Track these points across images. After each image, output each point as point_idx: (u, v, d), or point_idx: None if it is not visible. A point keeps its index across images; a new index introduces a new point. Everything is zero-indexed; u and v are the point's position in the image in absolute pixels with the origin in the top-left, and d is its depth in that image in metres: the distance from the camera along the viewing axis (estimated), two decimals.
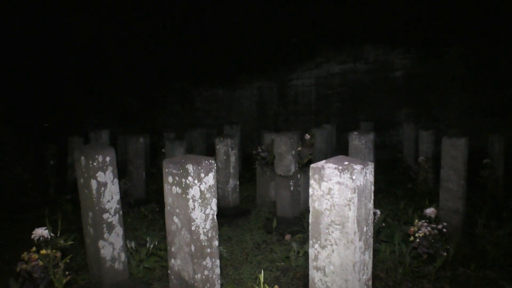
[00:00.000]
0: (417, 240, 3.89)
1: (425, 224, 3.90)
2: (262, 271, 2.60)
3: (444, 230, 3.87)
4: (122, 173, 5.84)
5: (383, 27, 12.03)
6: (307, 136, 6.48)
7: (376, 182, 7.47)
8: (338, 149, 9.98)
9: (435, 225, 3.87)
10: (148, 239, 4.30)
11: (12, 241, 5.25)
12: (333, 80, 13.14)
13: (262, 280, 2.30)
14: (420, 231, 3.88)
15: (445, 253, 3.85)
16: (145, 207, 6.62)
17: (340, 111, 12.98)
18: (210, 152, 9.78)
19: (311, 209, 2.06)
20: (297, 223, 5.40)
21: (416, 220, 3.97)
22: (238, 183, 6.39)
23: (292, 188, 5.58)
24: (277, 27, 13.35)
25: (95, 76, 14.40)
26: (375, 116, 11.96)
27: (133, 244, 4.07)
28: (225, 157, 6.14)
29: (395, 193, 6.81)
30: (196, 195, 2.54)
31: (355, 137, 5.04)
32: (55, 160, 8.67)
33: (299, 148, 6.09)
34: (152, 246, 4.14)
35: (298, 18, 13.11)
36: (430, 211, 3.96)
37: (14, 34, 11.67)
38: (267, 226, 5.44)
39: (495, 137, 6.58)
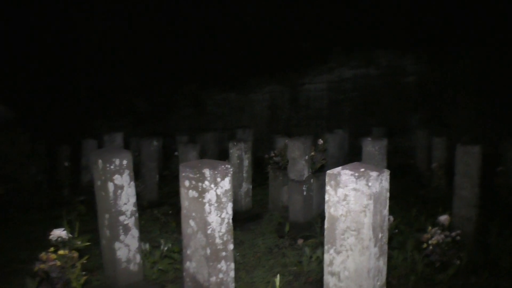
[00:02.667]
0: (430, 247, 3.89)
1: (439, 231, 3.90)
2: (278, 275, 2.62)
3: (458, 238, 3.87)
4: (135, 176, 5.90)
5: (396, 32, 12.02)
6: (320, 141, 6.49)
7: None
8: (351, 154, 9.96)
9: (448, 233, 3.87)
10: (162, 241, 4.35)
11: (27, 241, 5.33)
12: (345, 85, 13.13)
13: (278, 284, 2.32)
14: (433, 239, 3.88)
15: (458, 261, 3.85)
16: (158, 210, 6.70)
17: (352, 116, 12.96)
18: (222, 156, 9.84)
19: (326, 214, 2.09)
20: (309, 228, 5.41)
21: (430, 227, 3.96)
22: (251, 187, 6.44)
23: (305, 193, 5.60)
24: (289, 32, 13.41)
25: (108, 79, 14.56)
26: (386, 122, 11.92)
27: (147, 246, 4.12)
28: (238, 161, 6.19)
29: (407, 200, 6.79)
30: (212, 199, 2.58)
31: (369, 143, 5.06)
32: (68, 162, 8.79)
33: (312, 153, 6.10)
34: (166, 248, 4.19)
35: (310, 23, 13.16)
36: (443, 218, 3.96)
37: (29, 37, 11.87)
38: (280, 231, 5.47)
39: (509, 144, 6.53)
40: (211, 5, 13.72)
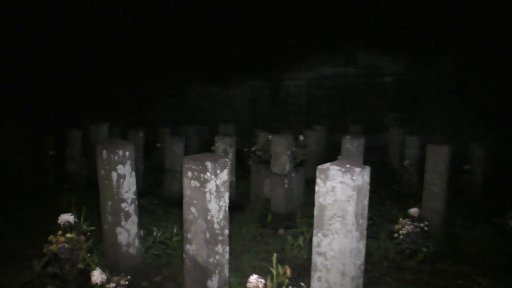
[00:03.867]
0: (401, 236, 4.30)
1: (409, 222, 4.31)
2: (275, 254, 2.96)
3: (426, 228, 4.29)
4: None
5: (375, 33, 12.45)
6: (301, 137, 6.85)
7: None
8: (328, 150, 10.37)
9: (417, 224, 4.29)
10: (154, 228, 4.63)
11: (21, 228, 5.51)
12: (324, 82, 13.52)
13: (275, 261, 2.65)
14: (404, 229, 4.29)
15: (425, 249, 4.27)
16: (144, 199, 6.96)
17: (330, 113, 13.37)
18: (204, 148, 10.09)
19: (316, 203, 2.43)
20: (290, 218, 5.77)
21: (401, 219, 4.37)
22: (234, 179, 6.75)
23: (286, 186, 5.96)
24: (271, 28, 13.68)
25: (89, 68, 14.57)
26: (363, 119, 12.39)
27: (141, 232, 4.39)
28: (223, 154, 6.48)
29: (381, 194, 7.25)
30: (212, 188, 2.89)
31: (348, 140, 5.44)
32: (53, 151, 8.91)
33: (293, 148, 6.46)
34: (159, 235, 4.48)
35: (292, 19, 13.47)
36: (413, 211, 4.37)
37: (12, 25, 11.82)
38: (262, 221, 5.82)
39: (476, 145, 7.04)
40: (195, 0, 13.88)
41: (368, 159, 10.19)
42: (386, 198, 6.93)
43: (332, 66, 13.41)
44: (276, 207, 6.02)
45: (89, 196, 6.50)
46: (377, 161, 10.18)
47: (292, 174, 6.20)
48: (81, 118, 13.04)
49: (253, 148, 7.47)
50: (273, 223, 5.65)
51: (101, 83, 14.87)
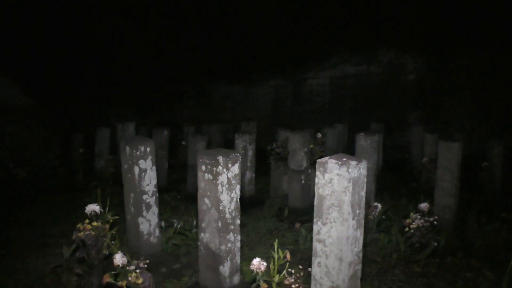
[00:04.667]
0: (411, 230, 4.44)
1: (419, 217, 4.45)
2: (277, 240, 3.17)
3: (435, 223, 4.41)
4: None
5: (397, 31, 12.47)
6: (319, 135, 7.03)
7: (383, 180, 8.04)
8: (349, 147, 10.48)
9: (427, 218, 4.42)
10: (175, 221, 4.92)
11: (53, 219, 5.90)
12: (347, 81, 13.60)
13: (276, 246, 2.87)
14: (414, 223, 4.43)
15: (435, 243, 4.40)
16: (168, 195, 7.28)
17: (353, 111, 13.45)
18: (227, 146, 10.36)
19: (316, 194, 2.63)
20: (306, 213, 5.96)
21: (411, 213, 4.51)
22: (254, 175, 6.98)
23: (303, 182, 6.15)
24: (294, 28, 13.86)
25: (118, 69, 15.08)
26: (386, 117, 12.42)
27: (162, 223, 4.68)
28: (243, 152, 6.73)
29: (399, 191, 7.36)
30: (224, 181, 3.13)
31: (362, 137, 5.59)
32: (83, 148, 9.33)
33: (311, 146, 6.63)
34: (179, 226, 4.75)
35: (315, 19, 13.60)
36: (423, 205, 4.49)
37: (45, 26, 12.37)
38: (279, 215, 6.03)
39: (495, 142, 7.05)
40: (220, 1, 14.18)
41: (391, 157, 10.31)
42: (403, 195, 7.03)
43: (354, 64, 13.48)
44: (293, 202, 6.22)
45: (116, 192, 6.84)
46: (398, 159, 10.26)
47: (309, 171, 6.39)
48: (110, 117, 13.55)
49: (273, 146, 7.69)
50: (290, 218, 5.86)
51: (128, 84, 15.37)
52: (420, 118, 12.32)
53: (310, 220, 5.64)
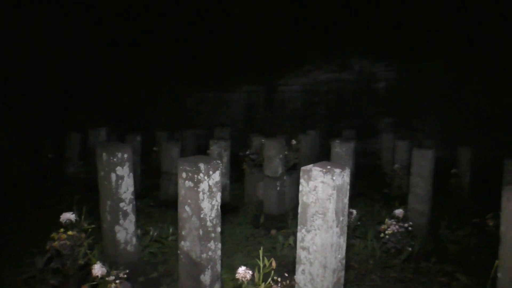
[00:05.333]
0: (387, 236, 4.51)
1: (394, 222, 4.53)
2: (262, 247, 3.16)
3: (410, 228, 4.50)
4: None
5: (369, 39, 12.72)
6: (294, 142, 7.08)
7: (356, 186, 8.16)
8: (322, 154, 10.56)
9: (402, 224, 4.50)
10: (151, 228, 4.83)
11: (21, 227, 5.69)
12: (319, 88, 13.75)
13: (261, 254, 2.86)
14: (389, 229, 4.50)
15: (410, 248, 4.49)
16: (141, 202, 7.14)
17: (325, 118, 13.60)
18: (200, 152, 10.28)
19: (300, 202, 2.63)
20: (282, 220, 5.98)
21: (387, 219, 4.59)
22: (229, 182, 6.95)
23: (278, 188, 6.16)
24: (267, 35, 13.93)
25: (89, 73, 14.77)
26: (357, 124, 12.62)
27: (138, 231, 4.59)
28: (218, 158, 6.69)
29: (372, 197, 7.48)
30: (205, 188, 3.10)
31: (337, 144, 5.66)
32: (52, 153, 9.08)
33: (286, 152, 6.67)
34: (155, 234, 4.67)
35: (288, 26, 13.72)
36: (398, 211, 4.58)
37: (13, 27, 12.02)
38: (255, 222, 6.02)
39: (463, 149, 7.27)
40: (193, 5, 14.11)
41: (362, 163, 10.45)
42: (376, 201, 7.15)
43: (327, 71, 13.65)
44: (268, 209, 6.22)
45: (87, 198, 6.66)
46: (370, 165, 10.42)
47: (285, 177, 6.41)
48: (79, 122, 13.23)
49: (247, 152, 7.68)
50: (266, 224, 5.85)
51: (99, 88, 15.07)
52: (391, 125, 12.59)
53: (286, 227, 5.68)
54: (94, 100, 14.98)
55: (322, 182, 2.50)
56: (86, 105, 14.80)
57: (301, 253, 2.66)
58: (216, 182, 3.19)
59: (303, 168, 2.61)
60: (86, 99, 14.74)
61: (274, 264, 2.71)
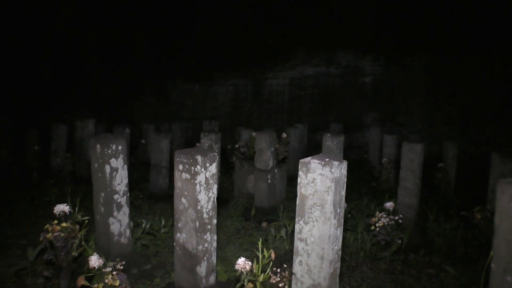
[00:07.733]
0: (377, 229, 4.58)
1: (384, 215, 4.59)
2: (260, 239, 3.19)
3: (400, 221, 4.57)
4: None
5: (356, 34, 12.80)
6: (284, 135, 7.10)
7: None
8: (309, 147, 10.66)
9: (392, 217, 4.57)
10: (143, 221, 4.82)
11: (8, 220, 5.61)
12: (306, 82, 13.81)
13: (260, 245, 2.88)
14: (379, 222, 4.57)
15: (399, 241, 4.56)
16: (130, 194, 7.09)
17: (312, 112, 13.68)
18: (188, 144, 10.26)
19: (298, 194, 2.66)
20: (272, 213, 6.02)
21: (377, 212, 4.65)
22: (219, 175, 6.95)
23: (269, 181, 6.19)
24: (255, 28, 13.91)
25: (74, 65, 14.57)
26: (344, 118, 12.74)
27: (131, 223, 4.57)
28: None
29: (360, 190, 7.57)
30: (202, 180, 3.11)
31: (328, 138, 5.70)
32: (38, 145, 8.95)
33: (276, 145, 6.70)
34: (148, 226, 4.67)
35: (276, 20, 13.72)
36: (389, 204, 4.65)
37: None
38: (246, 215, 6.04)
39: (449, 144, 7.40)
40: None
41: (348, 157, 10.50)
42: (364, 194, 7.25)
43: (314, 66, 13.70)
44: (259, 202, 6.25)
45: (75, 190, 6.60)
46: (357, 159, 10.53)
47: (275, 170, 6.44)
48: (65, 114, 13.07)
49: (237, 145, 7.68)
50: (257, 217, 5.88)
51: (85, 79, 14.89)
52: (377, 119, 12.72)
53: (277, 219, 5.72)
54: (77, 92, 14.79)
55: (321, 174, 2.53)
56: (72, 97, 14.62)
57: (298, 245, 2.69)
58: (213, 174, 3.20)
59: (301, 160, 2.64)
60: (72, 91, 14.55)
61: (273, 255, 2.73)
